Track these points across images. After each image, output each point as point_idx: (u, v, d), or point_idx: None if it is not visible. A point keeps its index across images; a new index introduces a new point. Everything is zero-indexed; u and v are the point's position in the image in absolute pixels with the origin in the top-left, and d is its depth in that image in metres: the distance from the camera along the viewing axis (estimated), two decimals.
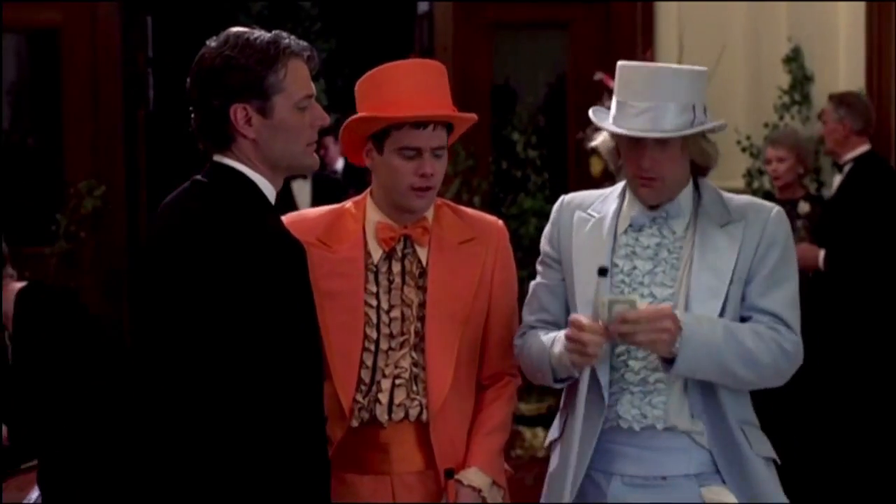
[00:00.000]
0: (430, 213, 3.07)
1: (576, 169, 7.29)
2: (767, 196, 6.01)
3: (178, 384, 2.44)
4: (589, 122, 3.02)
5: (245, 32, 2.54)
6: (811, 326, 5.40)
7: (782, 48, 6.95)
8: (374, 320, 3.00)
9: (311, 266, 2.57)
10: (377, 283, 3.02)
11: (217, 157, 2.57)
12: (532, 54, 7.67)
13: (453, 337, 3.00)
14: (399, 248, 3.04)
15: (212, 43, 2.55)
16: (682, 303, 2.86)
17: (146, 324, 2.51)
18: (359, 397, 2.98)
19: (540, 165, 7.30)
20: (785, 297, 2.89)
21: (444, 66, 3.08)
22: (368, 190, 3.11)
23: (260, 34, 2.54)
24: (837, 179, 6.08)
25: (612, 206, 3.00)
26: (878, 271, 5.69)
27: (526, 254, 6.69)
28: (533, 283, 3.07)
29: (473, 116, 3.04)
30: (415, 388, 2.98)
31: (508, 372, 3.12)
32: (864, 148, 5.96)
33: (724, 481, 2.88)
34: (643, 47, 6.99)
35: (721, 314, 2.85)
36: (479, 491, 2.97)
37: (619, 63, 2.93)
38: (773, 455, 2.95)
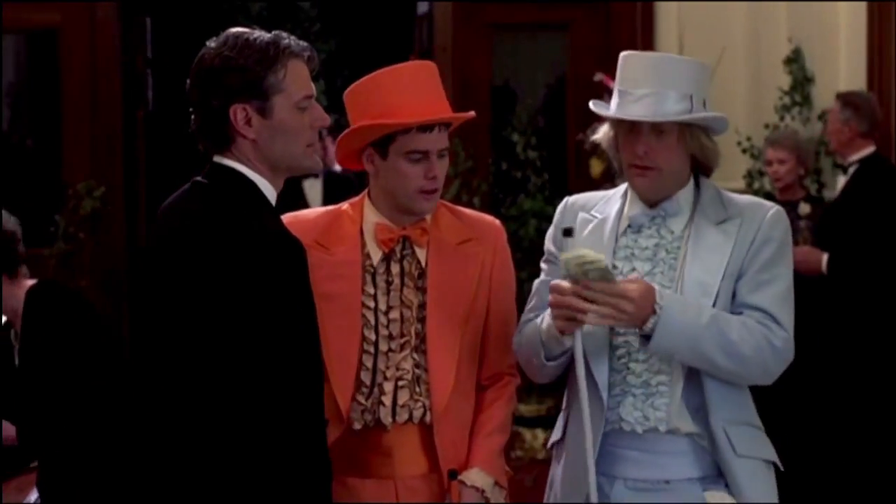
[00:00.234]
0: (428, 214, 3.07)
1: (576, 170, 7.28)
2: (768, 197, 5.99)
3: (178, 386, 2.44)
4: (589, 123, 3.02)
5: (245, 33, 2.54)
6: (815, 330, 5.43)
7: (783, 49, 6.94)
8: (373, 322, 3.00)
9: (310, 268, 2.56)
10: (375, 285, 3.02)
11: (217, 158, 2.56)
12: (532, 55, 7.67)
13: (454, 337, 3.00)
14: (398, 249, 3.04)
15: (211, 43, 2.55)
16: None
17: (147, 326, 2.51)
18: (360, 398, 2.97)
19: (540, 166, 7.30)
20: (776, 294, 2.88)
21: (435, 65, 3.09)
22: (365, 192, 3.11)
23: (260, 34, 2.54)
24: (841, 181, 6.06)
25: (615, 207, 3.00)
26: (882, 274, 5.67)
27: (526, 255, 6.71)
28: (536, 280, 3.07)
29: (472, 114, 3.06)
30: (417, 389, 2.98)
31: (508, 372, 3.12)
32: (869, 150, 5.93)
33: (726, 485, 2.87)
34: (643, 48, 6.97)
35: None
36: (483, 491, 2.98)
37: (622, 54, 2.94)
38: (767, 456, 2.94)
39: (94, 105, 7.41)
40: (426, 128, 2.95)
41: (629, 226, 2.97)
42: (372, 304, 3.00)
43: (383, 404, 2.96)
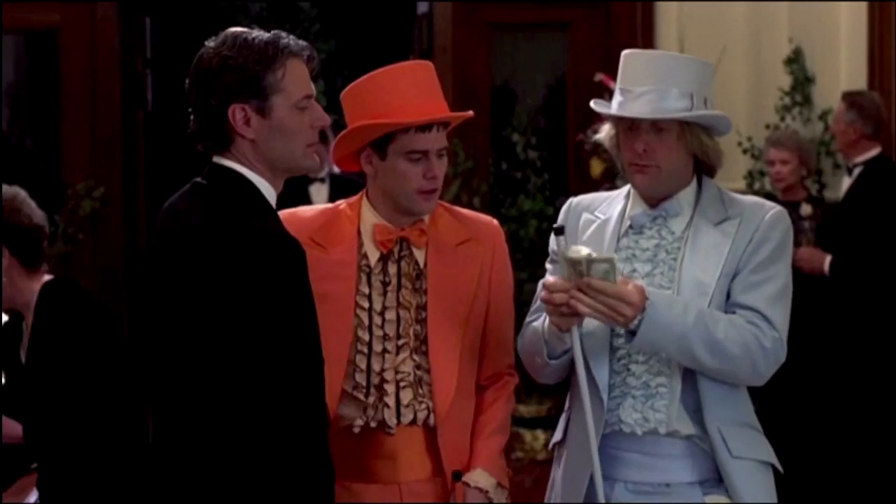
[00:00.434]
0: (427, 215, 3.06)
1: (576, 170, 7.28)
2: (769, 198, 5.98)
3: (179, 387, 2.44)
4: (589, 123, 3.02)
5: (243, 32, 2.53)
6: (817, 332, 5.42)
7: (783, 49, 6.93)
8: (367, 322, 2.99)
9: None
10: (370, 285, 3.00)
11: (216, 159, 2.55)
12: (531, 55, 7.67)
13: (455, 338, 2.99)
14: (396, 250, 3.03)
15: (210, 43, 2.54)
16: None
17: (149, 329, 2.51)
18: (359, 396, 2.96)
19: (540, 167, 7.29)
20: (769, 294, 2.86)
21: (433, 64, 3.09)
22: (363, 192, 3.10)
23: (258, 34, 2.53)
24: (845, 182, 6.04)
25: (617, 207, 3.00)
26: (885, 277, 5.64)
27: (526, 255, 6.72)
28: (541, 281, 3.06)
29: (470, 114, 3.06)
30: (420, 391, 2.97)
31: (506, 372, 3.12)
32: (874, 151, 5.89)
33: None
34: (643, 48, 6.96)
35: None
36: (486, 492, 2.97)
37: (624, 52, 2.94)
38: (764, 458, 2.92)
39: (94, 105, 7.41)
40: (425, 127, 2.94)
41: (630, 226, 2.96)
42: (366, 305, 2.99)
43: (387, 405, 2.95)
